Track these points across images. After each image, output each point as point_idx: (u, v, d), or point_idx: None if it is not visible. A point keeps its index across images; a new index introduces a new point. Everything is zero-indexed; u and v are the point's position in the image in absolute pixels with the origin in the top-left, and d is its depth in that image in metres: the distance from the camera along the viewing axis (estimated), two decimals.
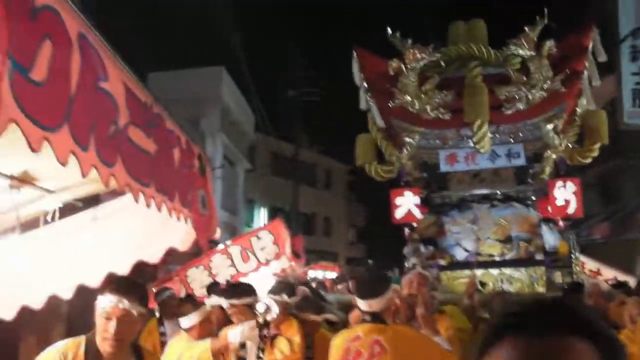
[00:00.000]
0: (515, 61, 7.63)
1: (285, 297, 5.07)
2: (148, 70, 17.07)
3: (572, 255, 7.48)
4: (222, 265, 11.92)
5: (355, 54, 8.04)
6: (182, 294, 12.17)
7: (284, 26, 57.13)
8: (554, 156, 7.85)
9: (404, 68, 7.31)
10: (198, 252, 9.57)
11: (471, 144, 7.54)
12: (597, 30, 7.96)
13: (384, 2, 61.17)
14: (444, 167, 7.77)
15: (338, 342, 3.99)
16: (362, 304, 3.96)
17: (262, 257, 12.21)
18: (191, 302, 5.75)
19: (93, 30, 2.69)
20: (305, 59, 34.72)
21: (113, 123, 2.92)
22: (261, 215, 31.86)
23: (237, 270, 12.17)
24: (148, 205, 3.48)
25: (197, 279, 11.97)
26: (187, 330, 5.07)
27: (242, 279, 12.07)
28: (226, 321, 5.95)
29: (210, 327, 5.19)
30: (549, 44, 7.48)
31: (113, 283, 3.36)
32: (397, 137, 7.65)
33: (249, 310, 4.77)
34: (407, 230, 8.64)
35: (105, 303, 3.27)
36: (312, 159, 40.88)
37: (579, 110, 7.74)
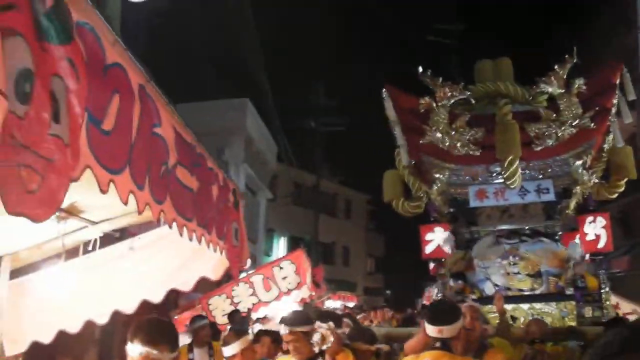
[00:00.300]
0: (542, 98, 7.86)
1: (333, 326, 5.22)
2: (176, 101, 17.35)
3: (602, 290, 7.60)
4: (244, 294, 12.13)
5: (386, 91, 8.29)
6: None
7: (309, 55, 57.73)
8: (582, 192, 8.02)
9: (434, 105, 7.54)
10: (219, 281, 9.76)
11: (500, 180, 7.73)
12: (626, 69, 8.17)
13: (409, 36, 61.67)
14: (473, 203, 7.94)
15: None
16: (432, 330, 4.10)
17: (284, 286, 12.41)
18: (234, 330, 5.95)
19: (150, 82, 2.98)
20: (328, 90, 35.13)
21: (164, 164, 3.21)
22: (280, 245, 32.08)
23: (259, 299, 12.37)
24: (190, 239, 3.75)
25: (219, 307, 12.20)
26: (228, 359, 5.23)
27: (263, 308, 12.31)
28: (275, 349, 6.17)
29: (252, 356, 5.36)
30: (579, 82, 7.66)
31: (142, 331, 3.31)
32: (426, 173, 7.86)
33: (306, 339, 4.93)
34: (431, 265, 8.79)
35: (135, 353, 3.27)
36: (333, 189, 41.22)
37: (606, 146, 7.91)
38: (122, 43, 2.65)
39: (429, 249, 7.87)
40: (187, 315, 12.37)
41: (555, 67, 7.64)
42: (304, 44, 55.04)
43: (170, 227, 3.40)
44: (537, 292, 7.67)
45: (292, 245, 32.60)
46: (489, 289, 7.79)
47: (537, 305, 7.61)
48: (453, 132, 7.53)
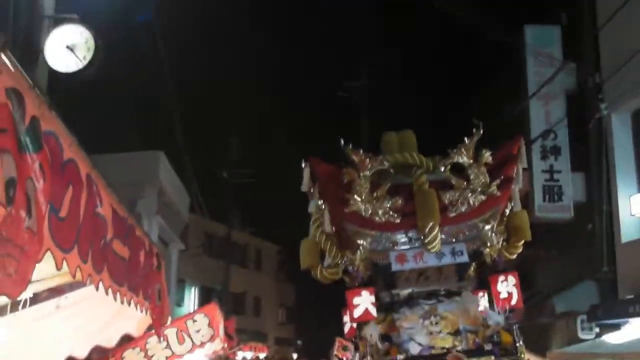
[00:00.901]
0: (447, 168, 8.55)
1: None
2: (91, 153, 17.54)
3: (516, 344, 8.17)
4: (157, 347, 12.28)
5: (308, 162, 8.81)
6: None
7: (220, 106, 58.22)
8: (490, 253, 8.68)
9: (357, 175, 8.11)
10: None
11: (418, 245, 8.29)
12: (523, 141, 9.03)
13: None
14: (395, 267, 8.43)
15: None
16: None
17: (198, 339, 12.63)
18: None
19: (94, 169, 3.49)
20: (239, 141, 35.75)
21: (103, 238, 3.71)
22: (192, 295, 32.07)
23: (172, 351, 12.55)
24: (122, 302, 4.22)
25: None
26: None
27: None
28: None
29: None
30: (486, 153, 8.43)
31: None
32: (348, 240, 8.35)
33: None
34: (346, 327, 9.24)
35: None
36: (244, 240, 41.50)
37: (507, 211, 8.65)
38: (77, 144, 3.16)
39: (357, 312, 8.28)
40: None
41: (465, 139, 8.38)
42: (220, 96, 55.71)
43: (107, 294, 3.87)
44: (459, 348, 8.18)
45: (204, 296, 32.72)
46: (413, 349, 8.19)
47: None
48: (375, 201, 8.09)
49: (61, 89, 11.36)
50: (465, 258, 8.63)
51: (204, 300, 30.86)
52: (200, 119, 50.72)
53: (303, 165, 9.05)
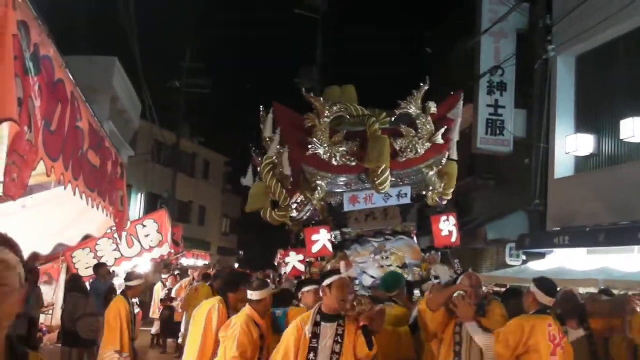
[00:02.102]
0: (385, 122, 9.06)
1: None
2: None
3: (456, 276, 8.86)
4: (107, 249, 12.77)
5: (273, 108, 9.23)
6: (63, 274, 12.97)
7: (178, 18, 57.13)
8: (432, 197, 9.27)
9: (317, 122, 8.53)
10: None
11: (369, 187, 8.80)
12: (462, 96, 9.61)
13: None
14: (347, 207, 8.94)
15: None
16: (547, 300, 5.78)
17: (146, 243, 13.17)
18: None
19: (77, 87, 3.88)
20: (195, 52, 35.45)
21: (81, 149, 4.12)
22: (138, 201, 32.33)
23: (121, 254, 13.07)
24: (92, 206, 4.67)
25: (82, 260, 12.78)
26: None
27: (126, 263, 13.01)
28: None
29: None
30: (432, 105, 8.93)
31: None
32: (307, 182, 8.81)
33: None
34: (291, 267, 9.90)
35: None
36: (193, 149, 41.56)
37: (444, 160, 9.25)
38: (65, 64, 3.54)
39: (315, 248, 8.83)
40: (49, 266, 12.90)
41: (414, 92, 8.84)
42: (176, 8, 54.47)
43: (82, 199, 4.32)
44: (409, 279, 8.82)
45: (150, 202, 33.00)
46: (365, 281, 8.81)
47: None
48: (333, 145, 8.55)
49: None
50: (408, 200, 9.21)
51: (150, 206, 31.16)
52: (158, 28, 49.78)
53: (262, 112, 9.60)
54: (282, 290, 8.57)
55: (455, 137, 9.36)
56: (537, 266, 15.06)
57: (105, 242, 12.50)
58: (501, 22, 17.85)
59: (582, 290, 12.17)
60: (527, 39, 18.37)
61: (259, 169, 9.92)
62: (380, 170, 8.42)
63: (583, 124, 16.89)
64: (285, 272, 12.24)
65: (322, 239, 8.83)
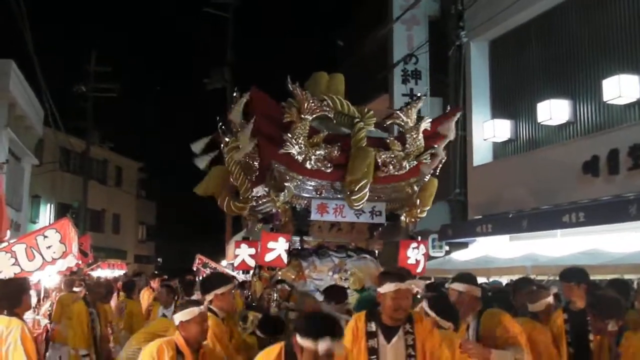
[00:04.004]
0: (371, 121, 8.35)
1: None
2: None
3: None
4: (5, 263, 11.63)
5: (250, 92, 8.28)
6: None
7: (81, 19, 55.33)
8: (406, 217, 8.62)
9: (297, 118, 7.72)
10: None
11: (340, 197, 8.04)
12: (459, 114, 9.17)
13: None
14: (314, 216, 8.12)
15: None
16: None
17: (49, 255, 12.07)
18: None
19: None
20: (100, 54, 34.09)
21: None
22: (47, 211, 30.74)
23: (21, 268, 11.93)
24: None
25: None
26: None
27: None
28: None
29: None
30: (427, 120, 8.28)
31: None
32: (274, 180, 7.97)
33: None
34: (240, 260, 9.01)
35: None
36: (103, 155, 39.97)
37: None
38: None
39: (269, 257, 7.90)
40: None
41: (412, 103, 8.21)
42: (79, 7, 52.69)
43: None
44: None
45: (61, 212, 31.38)
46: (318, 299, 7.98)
47: None
48: (310, 147, 7.74)
49: None
50: (382, 219, 8.48)
51: (60, 217, 29.68)
52: (60, 31, 48.00)
53: (236, 94, 8.55)
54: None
55: (441, 153, 8.64)
56: (461, 256, 14.82)
57: (3, 255, 11.43)
58: (412, 9, 17.43)
59: (509, 278, 11.86)
60: (439, 25, 17.98)
61: (222, 147, 8.84)
62: (359, 185, 7.72)
63: (499, 110, 16.63)
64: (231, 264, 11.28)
65: (279, 248, 7.97)
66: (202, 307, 4.72)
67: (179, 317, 4.62)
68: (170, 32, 66.94)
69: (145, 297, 13.40)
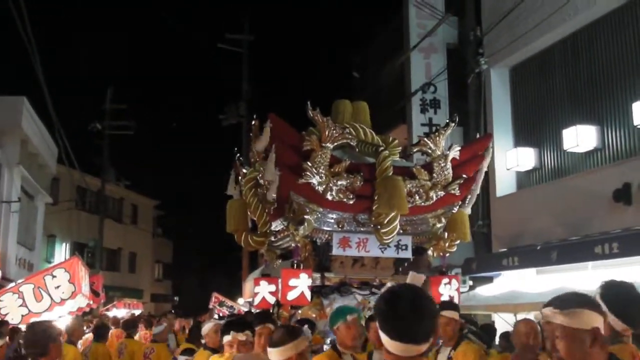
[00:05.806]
0: (395, 151, 7.93)
1: None
2: None
3: None
4: (12, 305, 11.25)
5: (269, 120, 7.81)
6: None
7: (95, 58, 55.72)
8: (433, 251, 8.12)
9: (317, 145, 7.25)
10: None
11: (363, 230, 7.57)
12: (493, 140, 8.45)
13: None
14: (336, 251, 7.60)
15: None
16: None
17: (57, 296, 11.67)
18: None
19: None
20: (115, 92, 34.07)
21: None
22: (62, 251, 30.42)
23: (29, 310, 11.56)
24: None
25: None
26: None
27: (35, 320, 11.43)
28: None
29: None
30: (456, 148, 7.79)
31: None
32: (293, 212, 7.48)
33: None
34: (260, 297, 8.54)
35: None
36: (119, 194, 39.77)
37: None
38: None
39: (291, 295, 7.39)
40: None
41: (441, 130, 7.79)
42: (95, 45, 53.07)
43: None
44: None
45: (76, 252, 31.11)
46: None
47: None
48: (332, 177, 7.26)
49: None
50: (408, 254, 7.98)
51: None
52: (75, 66, 48.24)
53: (255, 122, 8.28)
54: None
55: (477, 187, 8.15)
56: (486, 291, 14.10)
57: (10, 296, 11.03)
58: (430, 37, 16.94)
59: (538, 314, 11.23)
60: (458, 52, 17.50)
61: (240, 178, 8.53)
62: (388, 218, 7.18)
63: (522, 137, 15.98)
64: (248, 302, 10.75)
65: (301, 285, 7.42)
66: None
67: None
68: (185, 68, 67.21)
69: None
